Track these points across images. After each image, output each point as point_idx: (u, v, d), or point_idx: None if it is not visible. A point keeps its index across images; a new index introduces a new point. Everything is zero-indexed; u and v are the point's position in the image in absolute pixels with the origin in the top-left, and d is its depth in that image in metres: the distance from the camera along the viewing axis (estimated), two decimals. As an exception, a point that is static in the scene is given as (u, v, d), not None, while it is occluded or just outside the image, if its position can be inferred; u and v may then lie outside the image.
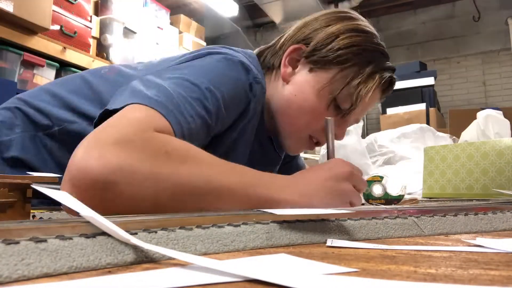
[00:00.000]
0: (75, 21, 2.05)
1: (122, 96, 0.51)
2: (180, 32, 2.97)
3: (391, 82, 0.71)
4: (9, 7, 1.67)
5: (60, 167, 0.62)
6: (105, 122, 0.46)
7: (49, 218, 0.47)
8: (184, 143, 0.48)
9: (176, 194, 0.43)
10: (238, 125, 0.65)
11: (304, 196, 0.51)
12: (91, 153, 0.40)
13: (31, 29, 1.79)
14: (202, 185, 0.45)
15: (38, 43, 1.84)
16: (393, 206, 0.64)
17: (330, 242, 0.35)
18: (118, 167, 0.40)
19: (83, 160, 0.40)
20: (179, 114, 0.50)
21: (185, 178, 0.44)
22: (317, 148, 3.64)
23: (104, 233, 0.27)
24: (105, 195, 0.40)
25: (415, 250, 0.32)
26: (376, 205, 0.68)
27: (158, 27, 2.70)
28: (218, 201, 0.46)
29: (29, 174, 0.47)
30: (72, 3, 2.03)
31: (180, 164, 0.44)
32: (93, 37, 2.21)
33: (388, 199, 0.70)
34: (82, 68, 2.06)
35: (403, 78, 3.26)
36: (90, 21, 2.17)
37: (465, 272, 0.24)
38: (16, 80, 1.71)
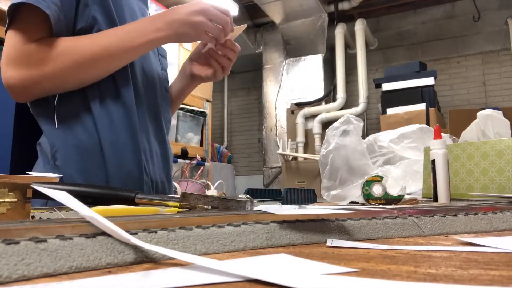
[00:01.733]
0: (75, 21, 2.05)
1: None
2: (180, 32, 2.97)
3: None
4: (9, 7, 1.66)
5: None
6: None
7: (49, 218, 0.47)
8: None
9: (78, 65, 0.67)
10: None
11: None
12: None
13: (31, 29, 1.79)
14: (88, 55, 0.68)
15: (38, 43, 1.84)
16: (393, 206, 0.64)
17: (330, 242, 0.35)
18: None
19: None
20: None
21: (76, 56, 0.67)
22: (317, 149, 3.63)
23: (104, 233, 0.27)
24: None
25: (415, 250, 0.32)
26: (376, 205, 0.68)
27: (158, 27, 2.70)
28: (111, 60, 0.69)
29: (29, 174, 0.47)
30: (72, 3, 2.03)
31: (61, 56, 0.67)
32: (93, 37, 2.21)
33: (388, 199, 0.69)
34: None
35: (403, 78, 3.26)
36: (90, 21, 2.17)
37: (465, 272, 0.24)
38: (16, 80, 1.71)
